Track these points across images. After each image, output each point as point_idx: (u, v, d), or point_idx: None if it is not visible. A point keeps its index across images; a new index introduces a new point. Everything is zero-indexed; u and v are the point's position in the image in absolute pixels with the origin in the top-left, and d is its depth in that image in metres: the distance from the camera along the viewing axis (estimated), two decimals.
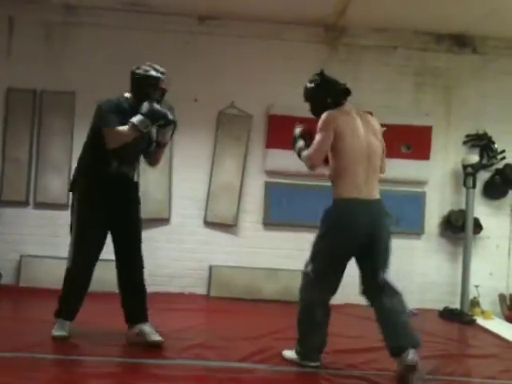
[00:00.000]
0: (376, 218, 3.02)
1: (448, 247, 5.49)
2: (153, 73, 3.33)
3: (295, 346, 3.21)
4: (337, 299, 5.15)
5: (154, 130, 3.40)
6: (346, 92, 3.18)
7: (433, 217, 5.48)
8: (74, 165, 5.18)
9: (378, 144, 3.09)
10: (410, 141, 5.38)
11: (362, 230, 2.97)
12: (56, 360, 3.03)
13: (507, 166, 5.42)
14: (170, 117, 3.31)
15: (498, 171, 5.44)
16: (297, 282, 5.23)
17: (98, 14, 5.25)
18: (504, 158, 5.42)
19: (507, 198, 5.53)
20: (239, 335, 3.75)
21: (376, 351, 3.52)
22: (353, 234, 2.99)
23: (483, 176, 5.44)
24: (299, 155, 3.19)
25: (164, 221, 5.32)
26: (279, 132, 5.35)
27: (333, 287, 3.26)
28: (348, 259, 3.14)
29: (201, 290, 5.29)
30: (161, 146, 3.47)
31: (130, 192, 3.50)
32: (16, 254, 5.14)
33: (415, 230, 5.40)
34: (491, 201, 5.52)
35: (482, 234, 5.43)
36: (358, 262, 3.15)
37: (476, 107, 5.52)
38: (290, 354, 3.25)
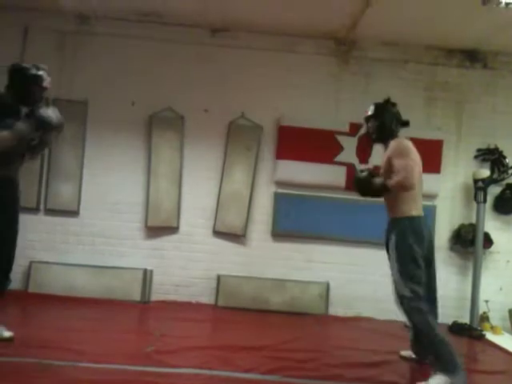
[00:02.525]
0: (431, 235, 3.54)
1: (458, 261, 5.45)
2: (37, 72, 3.32)
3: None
4: (348, 313, 5.19)
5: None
6: (407, 124, 3.59)
7: (443, 230, 5.44)
8: (85, 172, 5.36)
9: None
10: (420, 154, 5.34)
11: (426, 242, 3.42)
12: (62, 366, 3.03)
13: None
14: (55, 121, 3.31)
15: (508, 186, 5.40)
16: (304, 293, 5.26)
17: (111, 24, 5.31)
18: None
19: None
20: (246, 345, 3.74)
21: (387, 365, 3.50)
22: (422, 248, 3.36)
23: (494, 190, 5.41)
24: (384, 189, 3.38)
25: (173, 229, 5.34)
26: (289, 143, 5.38)
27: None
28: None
29: (208, 299, 5.28)
30: (42, 145, 3.46)
31: (16, 194, 3.56)
32: (25, 259, 5.16)
33: None
34: (502, 215, 5.49)
35: (493, 248, 5.39)
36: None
37: (487, 122, 5.51)
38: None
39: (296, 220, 5.35)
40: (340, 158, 5.40)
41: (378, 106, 3.57)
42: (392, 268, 3.35)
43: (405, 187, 3.27)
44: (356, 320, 5.05)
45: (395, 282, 3.31)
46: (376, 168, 3.60)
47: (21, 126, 3.12)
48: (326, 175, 5.31)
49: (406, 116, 5.44)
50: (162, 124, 5.35)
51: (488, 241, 5.31)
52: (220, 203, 5.34)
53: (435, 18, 4.79)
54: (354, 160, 5.40)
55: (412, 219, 3.34)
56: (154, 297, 5.25)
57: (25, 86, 3.27)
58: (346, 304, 5.19)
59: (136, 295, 5.12)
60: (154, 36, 5.38)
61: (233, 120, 5.40)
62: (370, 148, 5.33)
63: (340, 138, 5.40)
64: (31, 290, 5.08)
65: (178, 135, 5.37)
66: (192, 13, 5.12)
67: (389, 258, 3.42)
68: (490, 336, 4.79)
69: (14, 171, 3.47)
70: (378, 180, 3.42)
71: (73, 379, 2.83)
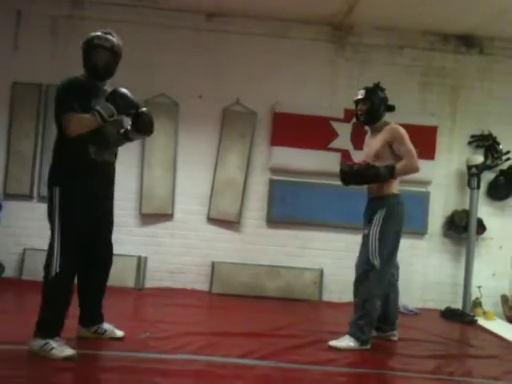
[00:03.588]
0: None
1: (451, 247, 5.49)
2: (102, 35, 3.15)
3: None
4: (342, 299, 5.21)
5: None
6: (392, 108, 3.78)
7: (436, 217, 5.47)
8: None
9: None
10: (415, 140, 5.31)
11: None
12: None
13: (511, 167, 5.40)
14: (140, 107, 3.21)
15: (502, 172, 5.42)
16: (299, 280, 5.29)
17: (105, 8, 5.25)
18: (508, 158, 5.40)
19: (511, 198, 5.51)
20: (240, 331, 3.76)
21: (380, 348, 3.53)
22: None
23: (487, 177, 5.43)
24: (390, 175, 3.53)
25: (167, 216, 5.33)
26: (284, 129, 5.36)
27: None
28: None
29: (203, 286, 5.30)
30: (128, 140, 3.32)
31: (111, 180, 3.25)
32: (19, 247, 5.16)
33: (418, 229, 5.39)
34: (495, 201, 5.51)
35: (486, 234, 5.42)
36: None
37: (482, 108, 5.51)
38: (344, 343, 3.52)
39: (291, 207, 5.36)
40: (334, 144, 5.39)
41: (368, 90, 3.73)
42: (369, 237, 3.57)
43: (412, 171, 3.55)
44: (349, 306, 5.06)
45: (368, 250, 3.55)
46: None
47: (102, 107, 2.95)
48: (320, 162, 5.31)
49: (401, 102, 5.44)
50: (155, 110, 5.25)
51: (481, 227, 5.34)
52: (214, 190, 5.33)
53: (431, 3, 4.77)
54: (349, 146, 5.40)
55: (398, 197, 3.64)
56: (149, 284, 5.27)
57: (94, 54, 3.10)
58: (340, 290, 5.22)
59: (130, 282, 5.13)
60: (148, 21, 5.32)
61: (227, 106, 5.37)
62: (364, 135, 5.32)
63: (335, 125, 5.39)
64: (25, 277, 5.08)
65: (172, 122, 5.34)
66: None
67: (365, 231, 3.66)
68: (482, 321, 4.84)
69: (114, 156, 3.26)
70: (383, 169, 3.53)
71: (67, 366, 2.83)
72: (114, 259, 3.41)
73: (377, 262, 3.52)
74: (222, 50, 5.41)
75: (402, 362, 3.39)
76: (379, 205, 3.61)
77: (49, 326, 2.97)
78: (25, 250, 5.15)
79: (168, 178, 5.32)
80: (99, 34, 3.18)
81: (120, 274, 5.06)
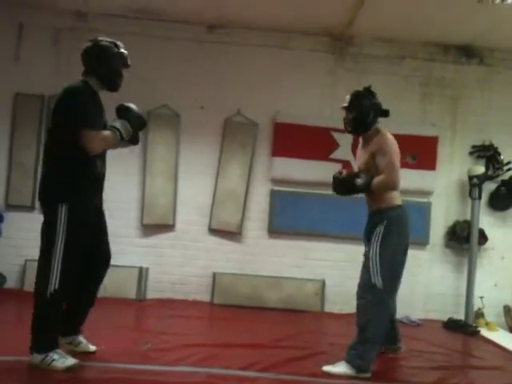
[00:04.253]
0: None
1: (453, 258, 5.47)
2: (121, 50, 3.02)
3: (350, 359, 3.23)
4: (344, 310, 5.19)
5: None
6: (386, 113, 3.47)
7: (438, 227, 5.46)
8: None
9: None
10: (415, 151, 5.37)
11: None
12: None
13: None
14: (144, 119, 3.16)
15: (503, 182, 5.42)
16: (300, 291, 5.27)
17: (108, 20, 5.28)
18: (510, 169, 5.40)
19: None
20: (242, 343, 3.74)
21: (382, 360, 3.51)
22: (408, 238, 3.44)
23: (489, 187, 5.43)
24: (367, 188, 3.34)
25: (169, 227, 5.33)
26: (285, 140, 5.37)
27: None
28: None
29: (204, 297, 5.28)
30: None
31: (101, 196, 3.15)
32: (21, 258, 5.15)
33: (420, 240, 5.38)
34: (497, 212, 5.50)
35: (487, 245, 5.41)
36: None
37: (482, 118, 5.52)
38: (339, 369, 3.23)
39: (292, 217, 5.36)
40: (336, 154, 5.40)
41: (353, 97, 3.44)
42: (369, 256, 3.30)
43: (389, 187, 3.27)
44: (351, 316, 5.03)
45: (369, 271, 3.26)
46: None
47: (121, 125, 2.91)
48: (321, 172, 5.30)
49: (401, 112, 5.51)
50: (157, 121, 5.34)
51: (483, 237, 5.33)
52: (216, 200, 5.34)
53: (431, 15, 4.79)
54: (350, 157, 5.40)
55: (398, 209, 3.36)
56: (150, 295, 5.25)
57: (112, 68, 2.96)
58: (342, 301, 5.20)
59: (132, 293, 5.11)
60: (150, 33, 5.35)
61: (229, 117, 5.39)
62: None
63: (336, 135, 5.40)
64: (27, 288, 5.06)
65: (174, 132, 5.36)
66: (188, 9, 5.10)
67: (366, 248, 3.43)
68: (484, 332, 4.81)
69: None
70: (359, 180, 3.37)
71: (67, 377, 2.82)
72: (116, 270, 3.40)
73: (379, 283, 3.21)
74: (223, 61, 5.44)
75: (405, 373, 3.37)
76: (378, 219, 3.35)
77: (46, 342, 2.91)
78: (26, 261, 5.14)
79: (169, 189, 5.33)
80: (114, 42, 3.09)
81: (121, 285, 5.06)
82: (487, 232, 5.37)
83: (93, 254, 3.09)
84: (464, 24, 4.97)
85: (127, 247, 5.18)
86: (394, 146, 3.29)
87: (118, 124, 2.93)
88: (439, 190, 5.47)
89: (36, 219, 5.23)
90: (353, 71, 5.50)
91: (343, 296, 5.18)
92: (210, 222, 5.33)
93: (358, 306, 3.31)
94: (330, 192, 5.41)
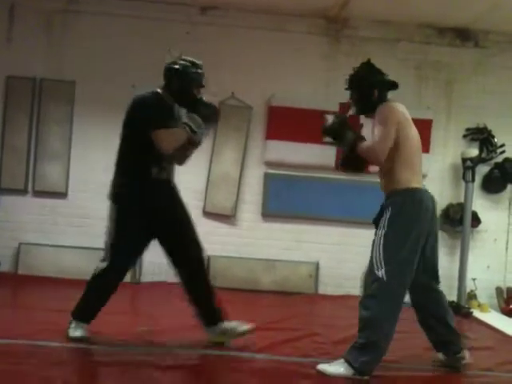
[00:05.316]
0: (434, 208, 3.03)
1: (446, 240, 5.50)
2: (198, 71, 3.13)
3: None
4: (338, 292, 5.23)
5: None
6: (394, 85, 3.09)
7: None
8: (73, 153, 5.30)
9: None
10: None
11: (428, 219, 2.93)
12: (55, 347, 3.03)
13: (506, 160, 5.42)
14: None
15: (497, 165, 5.44)
16: (294, 274, 5.30)
17: (100, 2, 5.22)
18: (503, 151, 5.42)
19: (506, 191, 5.54)
20: None
21: None
22: (425, 224, 2.89)
23: (482, 170, 5.45)
24: (353, 148, 2.96)
25: None
26: (279, 123, 5.35)
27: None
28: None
29: None
30: (197, 145, 3.24)
31: (172, 197, 3.27)
32: (15, 241, 5.14)
33: None
34: (490, 195, 5.53)
35: (480, 227, 5.44)
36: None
37: (477, 101, 5.51)
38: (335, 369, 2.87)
39: (286, 200, 5.36)
40: (329, 138, 5.38)
41: (352, 77, 3.10)
42: (373, 244, 2.93)
43: (373, 157, 2.87)
44: (345, 298, 5.10)
45: (372, 260, 2.89)
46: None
47: (189, 119, 2.97)
48: (315, 155, 5.31)
49: (396, 95, 5.45)
50: None
51: (476, 220, 5.36)
52: (210, 184, 5.33)
53: None
54: None
55: (410, 192, 2.88)
56: (145, 278, 5.26)
57: (186, 88, 3.08)
58: (336, 283, 5.24)
59: (126, 276, 5.10)
60: (143, 15, 5.28)
61: (222, 100, 5.34)
62: (360, 128, 5.32)
63: (330, 119, 5.37)
64: (21, 271, 5.07)
65: None
66: None
67: (375, 234, 2.96)
68: (477, 314, 4.87)
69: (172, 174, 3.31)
70: (350, 134, 3.01)
71: (64, 360, 2.83)
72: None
73: (381, 273, 2.78)
74: (217, 44, 5.37)
75: (397, 355, 3.40)
76: (386, 203, 2.92)
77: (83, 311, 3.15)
78: (20, 244, 5.13)
79: None
80: (193, 61, 3.18)
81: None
82: (480, 215, 5.40)
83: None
84: (459, 6, 4.93)
85: None
86: (394, 115, 2.87)
87: (185, 119, 3.00)
88: (433, 173, 5.48)
89: (29, 202, 5.27)
90: (348, 54, 5.45)
91: (337, 278, 5.22)
92: (205, 206, 5.33)
93: (361, 299, 2.93)
94: (323, 175, 5.48)
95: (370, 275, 2.92)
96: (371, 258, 2.91)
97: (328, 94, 5.41)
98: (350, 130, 3.05)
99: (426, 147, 5.42)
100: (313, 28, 5.45)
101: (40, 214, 5.25)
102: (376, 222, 2.98)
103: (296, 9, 5.26)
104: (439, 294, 3.08)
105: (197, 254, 3.27)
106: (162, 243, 3.26)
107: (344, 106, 5.37)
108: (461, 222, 5.29)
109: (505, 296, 5.31)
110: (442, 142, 5.53)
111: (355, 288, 5.29)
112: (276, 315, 4.16)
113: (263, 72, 5.38)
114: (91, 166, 5.26)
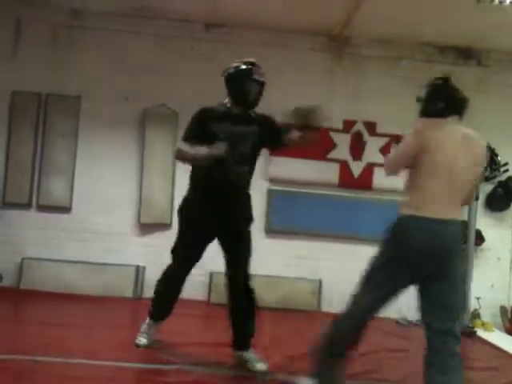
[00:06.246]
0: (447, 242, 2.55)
1: None
2: (242, 66, 3.16)
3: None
4: (341, 308, 5.18)
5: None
6: (461, 108, 2.89)
7: None
8: (78, 168, 5.32)
9: (470, 168, 2.64)
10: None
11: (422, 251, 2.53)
12: (56, 363, 3.02)
13: (510, 178, 5.42)
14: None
15: (500, 183, 5.44)
16: (297, 290, 5.27)
17: (105, 18, 5.28)
18: (507, 170, 5.42)
19: (509, 210, 5.52)
20: None
21: (378, 361, 3.51)
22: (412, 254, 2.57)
23: (486, 188, 5.44)
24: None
25: (166, 226, 5.31)
26: None
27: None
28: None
29: (201, 296, 5.27)
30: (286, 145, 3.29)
31: (237, 203, 3.21)
32: (18, 256, 5.14)
33: None
34: (493, 213, 5.52)
35: (484, 245, 5.42)
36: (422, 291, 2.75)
37: (479, 119, 5.49)
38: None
39: (289, 217, 5.36)
40: (333, 154, 5.41)
41: (425, 87, 2.94)
42: None
43: (386, 165, 2.79)
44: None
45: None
46: None
47: (217, 147, 2.98)
48: (318, 172, 5.32)
49: (398, 113, 5.51)
50: (155, 119, 5.33)
51: (479, 238, 5.35)
52: None
53: (429, 16, 4.79)
54: (347, 157, 5.42)
55: (402, 220, 2.58)
56: (147, 293, 5.22)
57: (237, 87, 3.15)
58: (339, 301, 5.17)
59: (128, 292, 5.10)
60: (148, 31, 5.35)
61: None
62: (363, 146, 5.36)
63: (333, 135, 5.41)
64: (23, 286, 5.06)
65: (172, 131, 5.33)
66: (186, 7, 5.09)
67: None
68: (481, 333, 4.82)
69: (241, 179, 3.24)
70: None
71: (65, 376, 2.82)
72: (112, 269, 3.41)
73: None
74: (222, 60, 5.32)
75: (401, 374, 3.37)
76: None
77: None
78: (23, 259, 5.13)
79: (167, 188, 5.31)
80: (247, 60, 3.22)
81: (118, 284, 5.06)
82: (484, 233, 5.39)
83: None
84: (461, 25, 4.97)
85: (124, 246, 5.19)
86: (413, 130, 2.71)
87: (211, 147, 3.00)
88: None
89: (33, 217, 5.28)
90: (350, 71, 5.51)
91: (340, 296, 5.14)
92: None
93: None
94: (327, 192, 5.48)
95: None
96: None
97: (330, 110, 5.42)
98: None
99: None
100: (315, 45, 5.49)
101: (43, 229, 5.25)
102: None
103: (299, 27, 5.31)
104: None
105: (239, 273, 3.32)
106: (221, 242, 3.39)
107: (348, 124, 5.43)
108: (464, 240, 5.27)
109: (509, 315, 5.27)
110: None
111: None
112: (277, 332, 4.15)
113: (266, 88, 5.38)
114: (96, 180, 5.28)
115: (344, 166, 5.41)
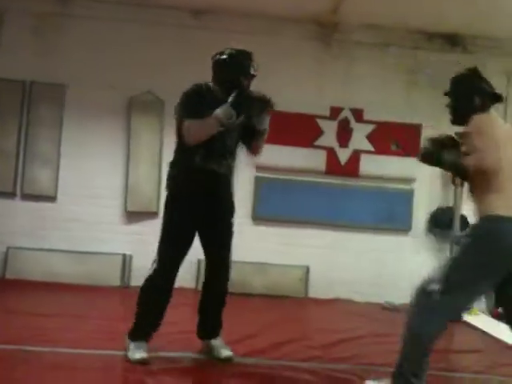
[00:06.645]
0: None
1: (435, 244, 5.54)
2: (239, 56, 3.01)
3: None
4: (328, 295, 5.23)
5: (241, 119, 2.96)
6: (498, 97, 2.76)
7: (421, 214, 5.51)
8: (63, 157, 5.27)
9: None
10: (400, 138, 5.41)
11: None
12: (42, 352, 3.00)
13: None
14: (259, 106, 3.03)
15: None
16: (285, 277, 5.29)
17: (90, 5, 5.19)
18: None
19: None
20: (226, 329, 3.74)
21: (365, 346, 3.55)
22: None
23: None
24: (457, 167, 2.65)
25: (153, 214, 5.29)
26: (271, 127, 5.32)
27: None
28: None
29: (189, 283, 5.27)
30: (259, 133, 3.09)
31: (219, 191, 3.08)
32: (2, 245, 5.09)
33: (403, 227, 5.44)
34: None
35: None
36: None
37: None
38: None
39: (276, 204, 5.37)
40: (320, 141, 5.41)
41: (451, 83, 2.84)
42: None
43: (480, 168, 2.48)
44: (335, 302, 5.11)
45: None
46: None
47: (221, 109, 2.80)
48: (306, 159, 5.33)
49: (386, 99, 5.52)
50: (141, 107, 5.29)
51: (465, 223, 5.39)
52: None
53: (416, 2, 4.79)
54: (334, 144, 5.43)
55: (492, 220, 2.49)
56: (134, 282, 5.21)
57: (231, 78, 2.96)
58: (326, 287, 5.24)
59: (115, 280, 5.09)
60: (134, 18, 5.27)
61: None
62: (350, 133, 5.37)
63: (320, 122, 5.41)
64: (9, 276, 5.02)
65: (158, 118, 5.31)
66: None
67: None
68: (466, 317, 4.89)
69: (224, 166, 3.07)
70: (449, 156, 2.68)
71: (53, 365, 2.80)
72: (99, 258, 3.36)
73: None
74: (209, 48, 5.26)
75: (386, 358, 3.41)
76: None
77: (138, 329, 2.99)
78: (8, 248, 5.08)
79: (154, 176, 5.28)
80: (243, 50, 3.09)
81: (105, 273, 5.04)
82: (469, 219, 5.43)
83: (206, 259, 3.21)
84: (448, 12, 4.97)
85: (111, 234, 5.16)
86: (487, 125, 2.58)
87: (217, 110, 2.83)
88: (422, 178, 5.51)
89: (18, 206, 5.22)
90: (339, 58, 5.49)
91: (327, 282, 5.22)
92: None
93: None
94: (313, 179, 5.49)
95: None
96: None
97: (318, 97, 5.43)
98: (447, 150, 2.72)
99: (415, 151, 5.46)
100: (304, 32, 5.47)
101: (29, 218, 5.20)
102: None
103: (288, 14, 5.27)
104: None
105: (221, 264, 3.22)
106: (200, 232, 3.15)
107: (336, 111, 5.42)
108: (449, 225, 5.32)
109: (493, 299, 5.34)
110: None
111: (345, 292, 5.33)
112: (265, 319, 4.15)
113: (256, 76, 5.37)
114: (81, 169, 5.24)
115: (331, 153, 5.42)
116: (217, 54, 3.08)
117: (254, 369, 3.01)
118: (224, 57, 3.02)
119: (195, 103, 2.89)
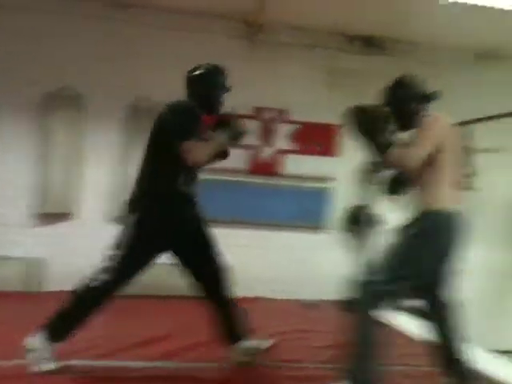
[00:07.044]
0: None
1: (351, 241, 5.68)
2: (219, 76, 3.04)
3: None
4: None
5: None
6: (432, 97, 2.89)
7: (339, 212, 5.65)
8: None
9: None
10: (320, 138, 5.56)
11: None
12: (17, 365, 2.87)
13: None
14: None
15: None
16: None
17: None
18: None
19: (408, 194, 5.80)
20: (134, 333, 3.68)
21: (288, 342, 3.68)
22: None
23: (387, 173, 5.67)
24: (382, 150, 2.80)
25: (66, 216, 5.11)
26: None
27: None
28: None
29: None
30: (223, 157, 3.20)
31: (195, 212, 3.15)
32: None
33: (321, 224, 5.59)
34: (393, 197, 5.77)
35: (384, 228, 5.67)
36: None
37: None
38: None
39: (209, 205, 5.30)
40: (243, 141, 5.42)
41: (386, 93, 3.02)
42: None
43: (404, 165, 2.77)
44: (255, 301, 5.15)
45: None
46: None
47: (221, 137, 2.87)
48: (229, 158, 5.31)
49: (309, 100, 5.60)
50: (57, 103, 5.06)
51: (378, 221, 5.59)
52: (123, 188, 5.17)
53: (336, 4, 4.87)
54: (257, 143, 5.49)
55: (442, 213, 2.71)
56: (47, 287, 4.99)
57: (209, 93, 2.99)
58: (246, 285, 5.26)
59: (23, 286, 4.84)
60: (49, 9, 5.01)
61: (135, 101, 5.21)
62: (273, 133, 5.44)
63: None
64: None
65: (76, 115, 5.11)
66: None
67: None
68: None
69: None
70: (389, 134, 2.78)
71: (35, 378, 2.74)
72: (8, 262, 3.18)
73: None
74: (134, 43, 5.22)
75: (305, 353, 3.49)
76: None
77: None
78: None
79: (70, 176, 5.08)
80: (217, 66, 3.09)
81: (15, 278, 4.79)
82: (383, 216, 5.63)
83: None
84: (366, 15, 5.11)
85: (20, 237, 4.92)
86: (438, 125, 2.71)
87: (223, 132, 2.92)
88: (342, 176, 5.65)
89: None
90: (265, 58, 5.53)
91: (248, 280, 5.26)
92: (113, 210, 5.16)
93: None
94: (236, 178, 5.48)
95: None
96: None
97: (242, 97, 5.41)
98: (386, 131, 2.84)
99: (334, 151, 5.64)
100: (230, 31, 5.44)
101: (5, 226, 4.91)
102: None
103: (217, 11, 5.21)
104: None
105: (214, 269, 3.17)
106: (180, 255, 3.12)
107: (259, 111, 5.44)
108: (365, 223, 5.50)
109: None
110: (351, 145, 5.67)
111: (265, 291, 5.36)
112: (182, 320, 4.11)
113: (178, 73, 5.28)
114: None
115: (254, 153, 5.45)
116: (192, 70, 3.05)
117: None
118: (201, 72, 3.01)
119: (194, 122, 2.88)
